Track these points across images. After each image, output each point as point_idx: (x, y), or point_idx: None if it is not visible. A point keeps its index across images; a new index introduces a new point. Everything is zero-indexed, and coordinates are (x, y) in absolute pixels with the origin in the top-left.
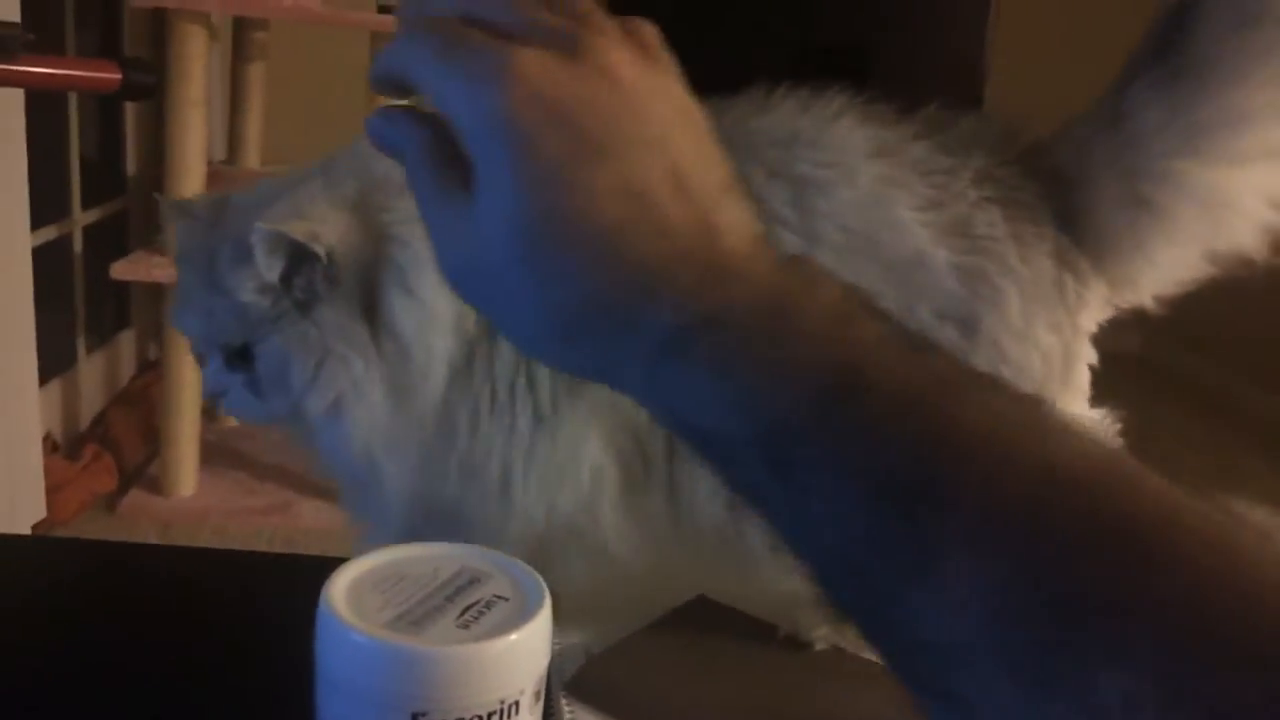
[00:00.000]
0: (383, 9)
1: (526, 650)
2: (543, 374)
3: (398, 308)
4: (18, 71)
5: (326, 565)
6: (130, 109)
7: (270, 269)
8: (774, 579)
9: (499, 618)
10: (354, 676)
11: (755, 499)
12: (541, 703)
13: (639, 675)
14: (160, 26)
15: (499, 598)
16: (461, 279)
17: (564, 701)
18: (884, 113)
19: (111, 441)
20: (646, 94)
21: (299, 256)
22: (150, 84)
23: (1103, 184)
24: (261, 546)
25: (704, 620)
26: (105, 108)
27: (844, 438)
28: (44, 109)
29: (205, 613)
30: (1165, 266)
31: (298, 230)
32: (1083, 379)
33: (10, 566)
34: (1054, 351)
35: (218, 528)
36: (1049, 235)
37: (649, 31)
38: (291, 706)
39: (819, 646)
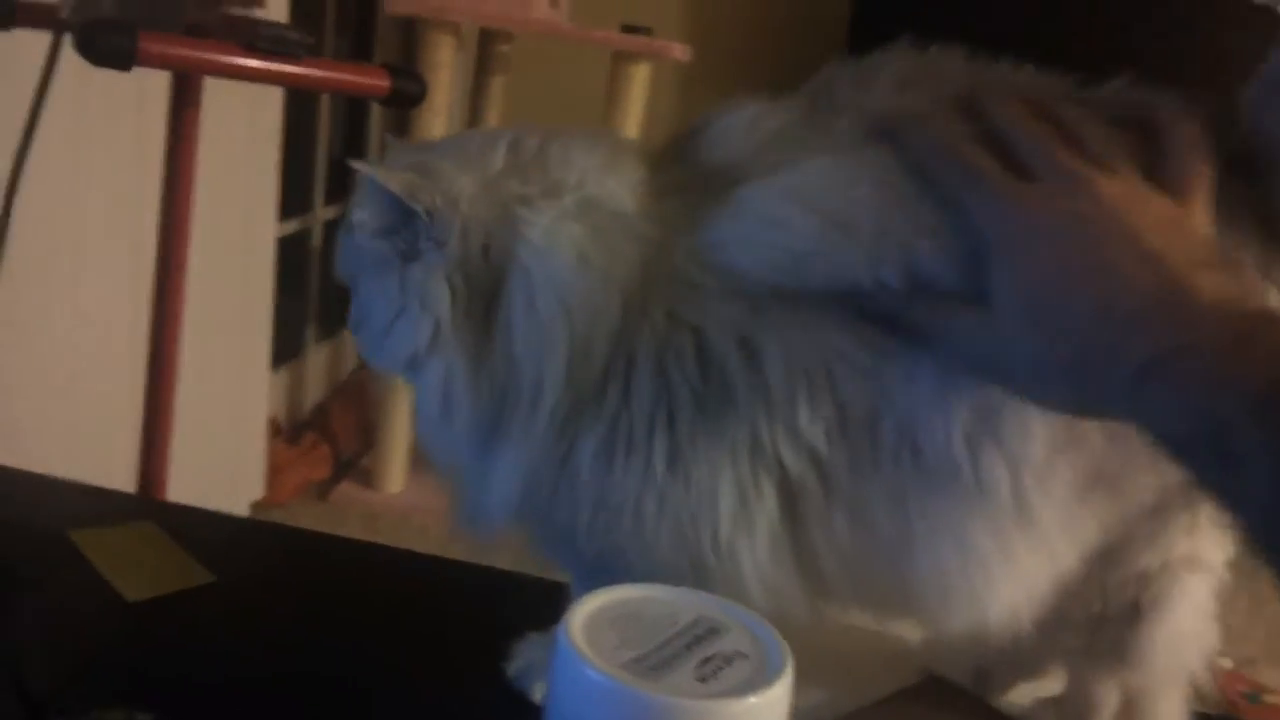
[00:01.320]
0: (626, 29)
1: (765, 713)
2: (683, 413)
3: (517, 316)
4: (300, 74)
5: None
6: (376, 114)
7: (370, 213)
8: (944, 623)
9: (740, 675)
10: (588, 714)
11: (1215, 492)
12: None
13: None
14: (410, 35)
15: (739, 654)
16: (978, 362)
17: None
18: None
19: (329, 431)
20: (1133, 214)
21: (399, 209)
22: (417, 93)
23: None
24: (458, 550)
25: (936, 699)
26: (353, 109)
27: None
28: (297, 108)
29: (397, 613)
30: None
31: (394, 180)
32: None
33: (222, 545)
34: None
35: (421, 526)
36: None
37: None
38: None
39: (1025, 701)
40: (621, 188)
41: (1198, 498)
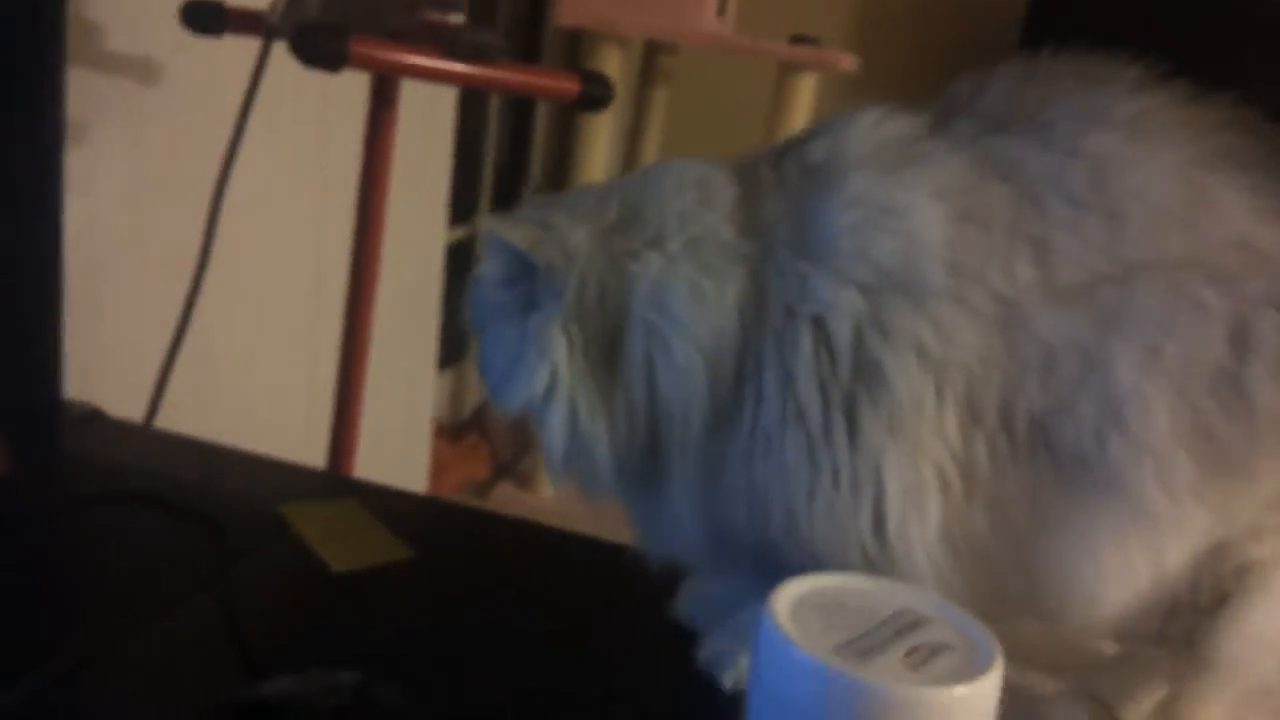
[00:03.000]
0: (795, 39)
1: (975, 706)
2: (812, 408)
3: (652, 359)
4: (497, 77)
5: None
6: (541, 123)
7: (495, 266)
8: (1062, 620)
9: (948, 665)
10: (794, 695)
11: None
12: None
13: None
14: (577, 45)
15: (945, 646)
16: None
17: None
18: (1191, 96)
19: (488, 433)
20: None
21: (519, 263)
22: (605, 97)
23: None
24: None
25: None
26: (518, 119)
27: None
28: (466, 116)
29: (587, 598)
30: None
31: (516, 235)
32: None
33: (420, 524)
34: None
35: (575, 528)
36: None
37: None
38: None
39: None
40: (717, 218)
41: None
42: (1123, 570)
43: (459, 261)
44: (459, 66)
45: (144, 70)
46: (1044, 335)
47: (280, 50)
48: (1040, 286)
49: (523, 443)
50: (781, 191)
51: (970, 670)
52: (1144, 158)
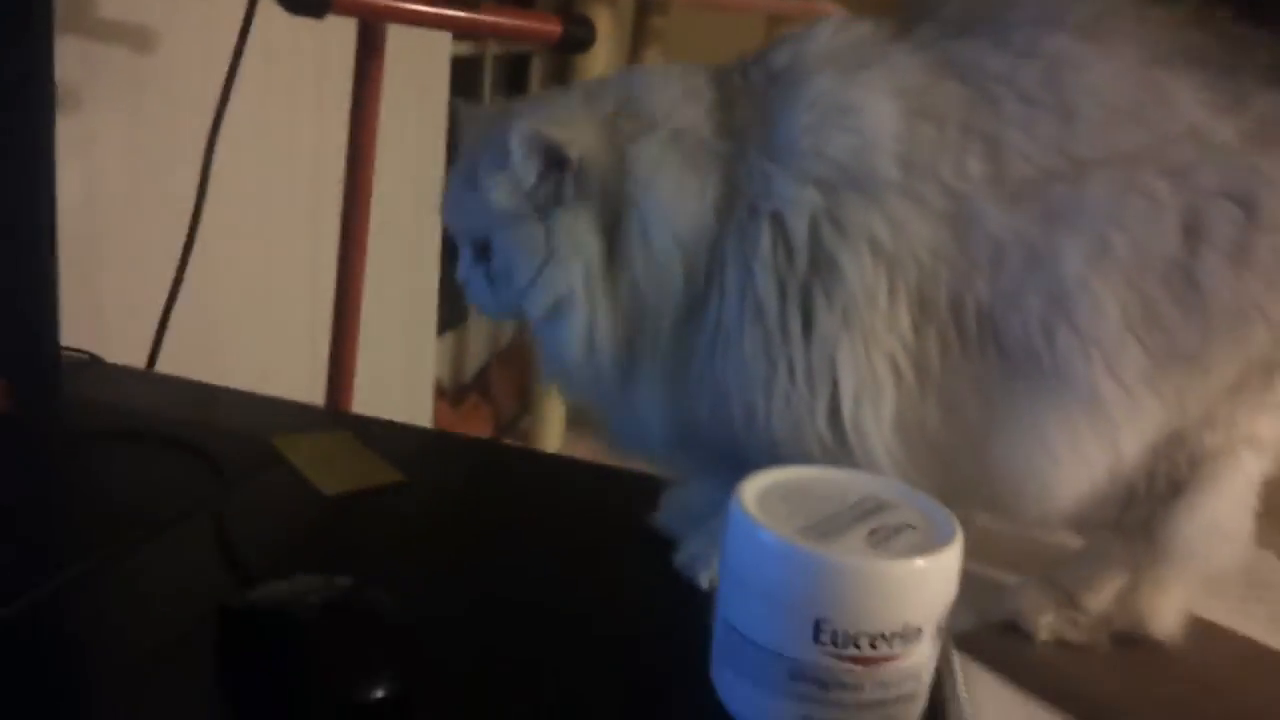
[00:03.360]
0: None
1: (935, 578)
2: (770, 301)
3: (635, 249)
4: (479, 20)
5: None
6: (534, 88)
7: (526, 169)
8: (1017, 513)
9: (909, 543)
10: (760, 576)
11: None
12: (940, 642)
13: (1036, 643)
14: (569, 8)
15: (908, 526)
16: None
17: (956, 654)
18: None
19: (490, 395)
20: None
21: (552, 160)
22: (587, 38)
23: None
24: None
25: None
26: (512, 85)
27: None
28: (460, 81)
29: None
30: None
31: (555, 133)
32: None
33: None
34: None
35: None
36: None
37: None
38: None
39: (1043, 636)
40: (699, 114)
41: (1271, 379)
42: (1076, 462)
43: None
44: (441, 10)
45: (138, 36)
46: (993, 230)
47: (275, 8)
48: (991, 182)
49: (523, 403)
50: (749, 97)
51: (930, 545)
52: (1098, 56)
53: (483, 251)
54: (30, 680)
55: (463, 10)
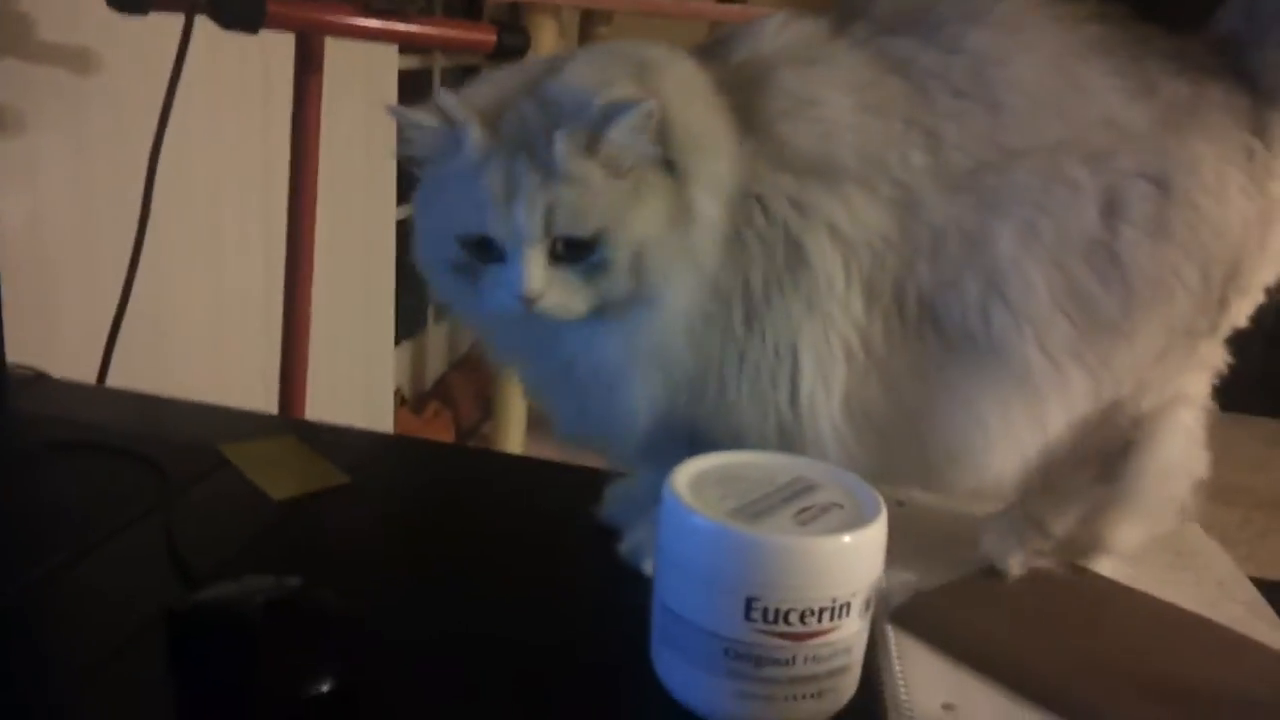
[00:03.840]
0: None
1: (861, 553)
2: (756, 274)
3: (700, 211)
4: (414, 32)
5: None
6: None
7: (641, 141)
8: (950, 488)
9: (835, 520)
10: (693, 558)
11: None
12: (870, 615)
13: (968, 614)
14: (515, 19)
15: (835, 504)
16: None
17: (889, 628)
18: None
19: (450, 401)
20: None
21: (641, 126)
22: (523, 47)
23: (1270, 43)
24: None
25: (1041, 572)
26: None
27: None
28: (408, 96)
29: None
30: None
31: (640, 98)
32: (1263, 279)
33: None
34: (1250, 216)
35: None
36: (1237, 104)
37: None
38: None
39: (1015, 573)
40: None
41: (1200, 337)
42: (1007, 435)
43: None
44: (374, 21)
45: (79, 58)
46: (933, 218)
47: (215, 27)
48: (931, 173)
49: (484, 409)
50: (722, 85)
51: (856, 522)
52: (1018, 52)
53: (575, 248)
54: None
55: (397, 22)
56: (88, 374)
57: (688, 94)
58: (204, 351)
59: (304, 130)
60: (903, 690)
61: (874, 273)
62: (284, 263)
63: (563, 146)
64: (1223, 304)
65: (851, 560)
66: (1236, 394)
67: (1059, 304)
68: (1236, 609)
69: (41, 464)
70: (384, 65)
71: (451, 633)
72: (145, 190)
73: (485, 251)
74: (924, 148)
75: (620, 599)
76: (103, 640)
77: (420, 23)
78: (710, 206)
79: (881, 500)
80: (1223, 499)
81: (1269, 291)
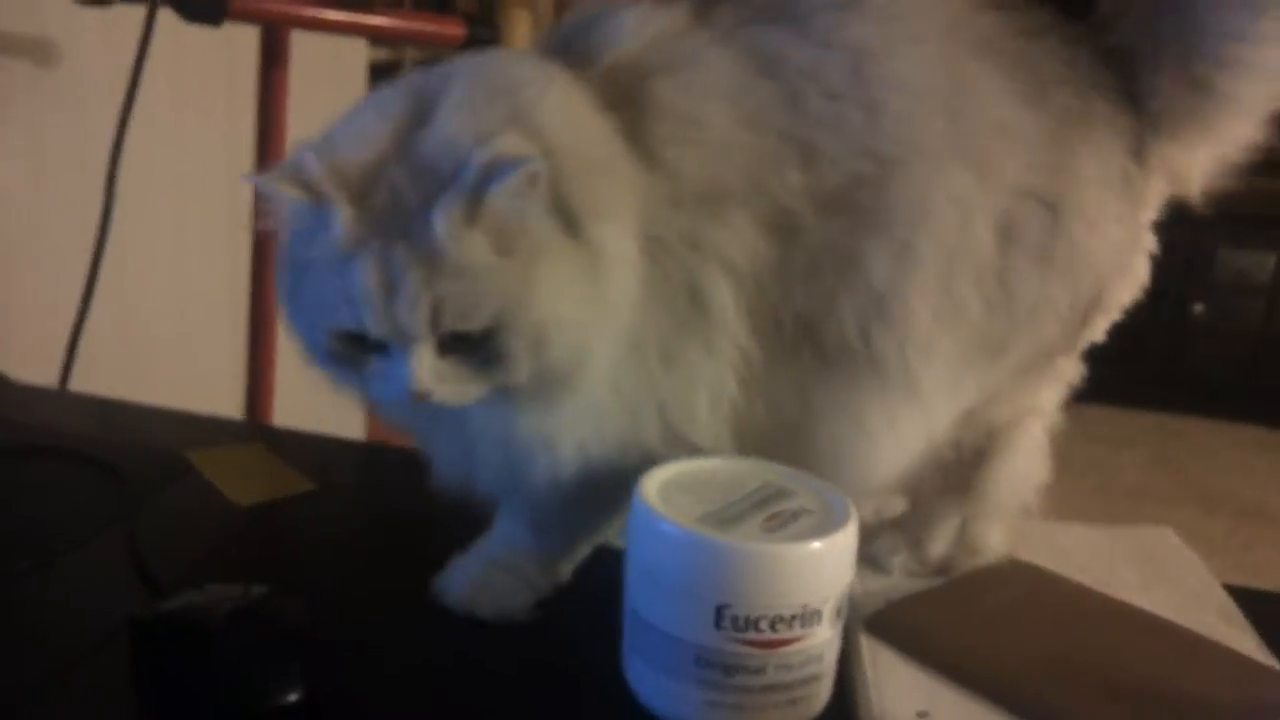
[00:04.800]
0: None
1: (830, 560)
2: (665, 320)
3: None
4: (380, 25)
5: None
6: None
7: (528, 203)
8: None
9: (804, 527)
10: (663, 565)
11: None
12: (842, 623)
13: (940, 622)
14: (489, 11)
15: (805, 510)
16: None
17: (862, 637)
18: None
19: None
20: None
21: (525, 188)
22: (492, 39)
23: (1165, 65)
24: None
25: (1011, 579)
26: None
27: None
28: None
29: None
30: (1223, 147)
31: (522, 149)
32: (1142, 270)
33: (322, 460)
34: (1121, 243)
35: None
36: (1121, 123)
37: None
38: None
39: (896, 574)
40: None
41: (1061, 355)
42: (894, 444)
43: None
44: (339, 15)
45: (38, 49)
46: (809, 242)
47: (177, 19)
48: (807, 193)
49: None
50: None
51: (825, 529)
52: (900, 44)
53: (462, 340)
54: None
55: (363, 14)
56: (48, 378)
57: (575, 124)
58: (169, 354)
59: (270, 126)
60: (876, 698)
61: (756, 300)
62: (249, 263)
63: (443, 227)
64: (1085, 323)
65: (822, 567)
66: (1225, 401)
67: (943, 325)
68: (1209, 616)
69: (3, 470)
70: (353, 58)
71: (418, 642)
72: (107, 187)
73: (365, 343)
74: (799, 164)
75: (591, 606)
76: (65, 650)
77: (388, 15)
78: (625, 246)
79: (851, 506)
80: (1207, 507)
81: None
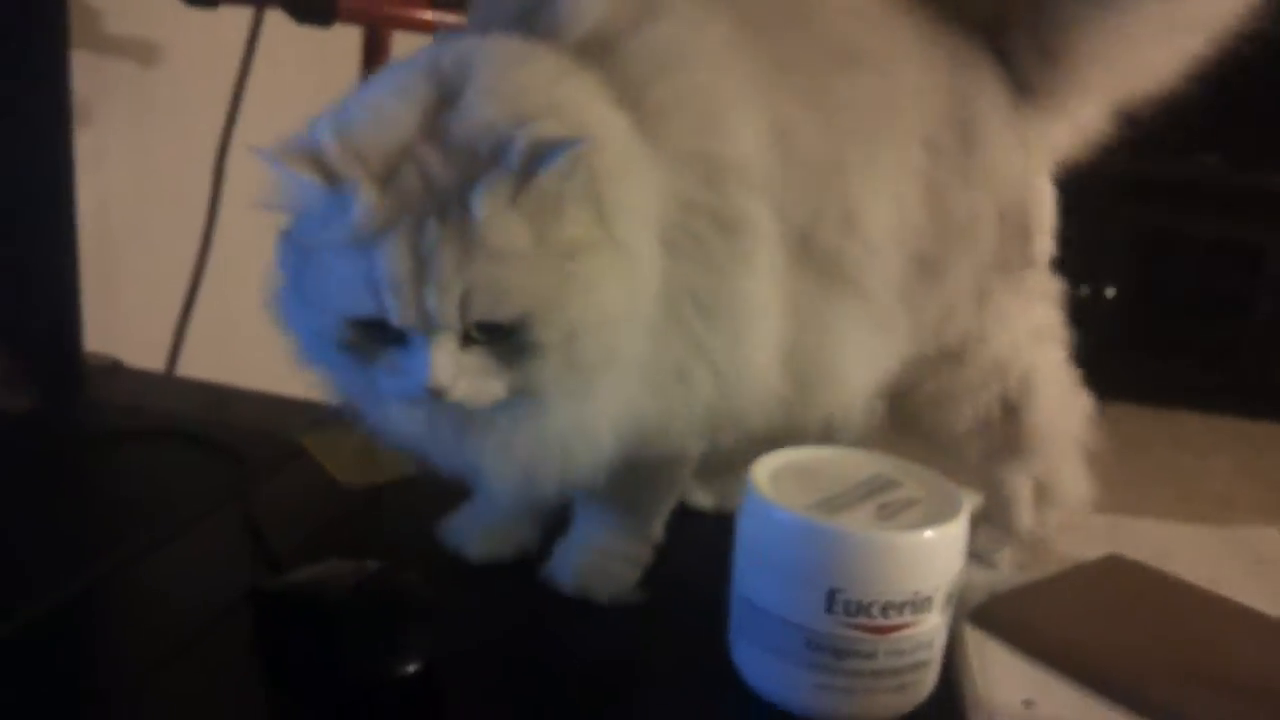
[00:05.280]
0: None
1: (942, 549)
2: (699, 272)
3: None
4: None
5: None
6: None
7: (572, 189)
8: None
9: (916, 516)
10: (775, 550)
11: None
12: (950, 611)
13: (1046, 615)
14: None
15: (916, 500)
16: None
17: (968, 628)
18: None
19: None
20: None
21: (571, 171)
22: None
23: (1022, 32)
24: None
25: (1117, 575)
26: None
27: None
28: None
29: None
30: (1077, 123)
31: (568, 136)
32: (1046, 218)
33: None
34: (1025, 170)
35: None
36: (1000, 72)
37: None
38: None
39: (1006, 569)
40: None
41: (1017, 269)
42: (868, 360)
43: None
44: (446, 16)
45: (145, 51)
46: (801, 150)
47: (280, 19)
48: (795, 99)
49: None
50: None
51: (937, 518)
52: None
53: (494, 329)
54: (71, 669)
55: (464, 15)
56: (154, 360)
57: (601, 118)
58: (273, 341)
59: None
60: (982, 686)
61: (774, 213)
62: None
63: (483, 206)
64: (1025, 236)
65: (934, 555)
66: None
67: (892, 232)
68: None
69: (124, 451)
70: None
71: (524, 619)
72: (214, 181)
73: (379, 332)
74: (774, 75)
75: (696, 590)
76: (189, 621)
77: None
78: (649, 243)
79: (962, 496)
80: None
81: None
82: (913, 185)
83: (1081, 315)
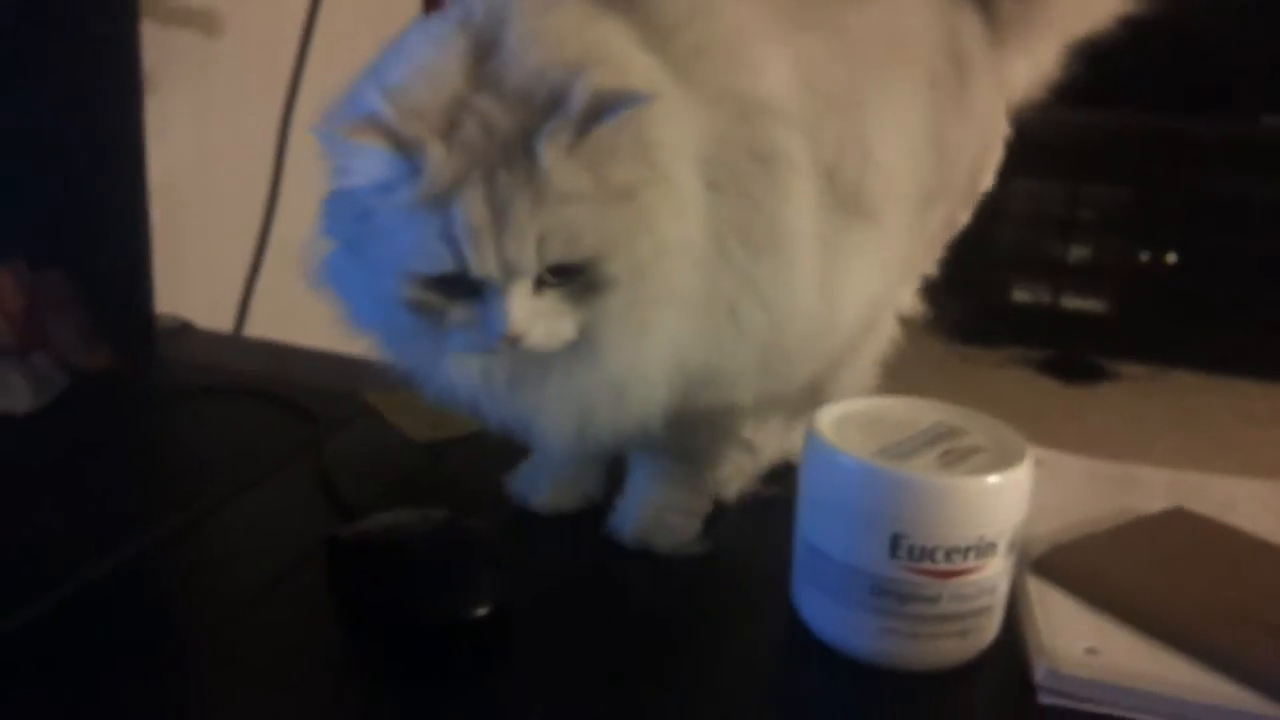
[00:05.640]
0: None
1: (1006, 495)
2: (743, 207)
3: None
4: None
5: None
6: None
7: (627, 139)
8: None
9: (980, 462)
10: (840, 496)
11: None
12: (1014, 558)
13: (1109, 565)
14: None
15: (979, 448)
16: None
17: (1031, 578)
18: None
19: None
20: None
21: (627, 122)
22: None
23: None
24: None
25: (1180, 526)
26: None
27: None
28: None
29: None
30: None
31: (631, 92)
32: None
33: None
34: (997, 110)
35: None
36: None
37: None
38: None
39: (731, 496)
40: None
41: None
42: (870, 288)
43: None
44: None
45: (207, 22)
46: (823, 85)
47: None
48: (816, 36)
49: None
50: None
51: (1001, 464)
52: None
53: (565, 271)
54: (157, 612)
55: None
56: (221, 321)
57: (641, 65)
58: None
59: None
60: (1046, 633)
61: (808, 146)
62: None
63: (547, 153)
64: (982, 173)
65: (998, 500)
66: None
67: (909, 171)
68: None
69: (197, 408)
70: None
71: (590, 566)
72: (278, 146)
73: (452, 287)
74: (792, 9)
75: (759, 536)
76: (265, 568)
77: None
78: (690, 180)
79: (1026, 445)
80: None
81: None
82: (920, 116)
83: (1142, 281)
